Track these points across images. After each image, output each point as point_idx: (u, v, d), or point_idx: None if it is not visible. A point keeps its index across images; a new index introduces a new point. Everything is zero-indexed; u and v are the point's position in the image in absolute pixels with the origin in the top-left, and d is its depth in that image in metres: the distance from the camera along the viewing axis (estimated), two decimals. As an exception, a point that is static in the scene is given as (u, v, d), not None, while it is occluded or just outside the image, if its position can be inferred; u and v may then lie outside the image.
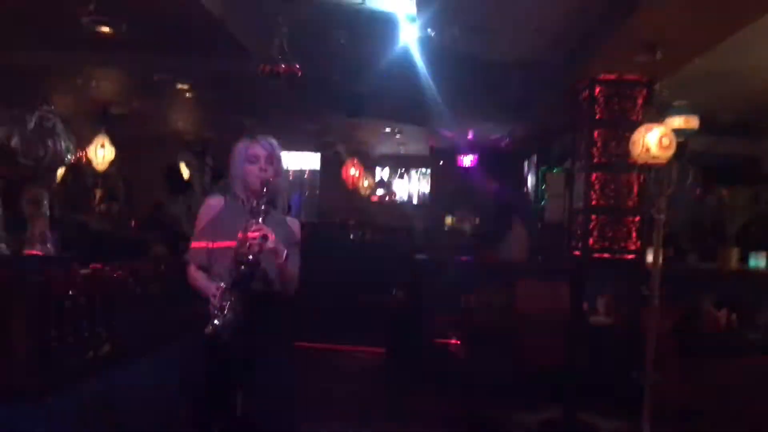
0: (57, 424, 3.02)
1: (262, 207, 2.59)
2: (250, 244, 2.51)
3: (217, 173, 7.80)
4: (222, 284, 2.55)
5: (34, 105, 3.94)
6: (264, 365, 2.67)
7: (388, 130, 10.50)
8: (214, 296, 2.52)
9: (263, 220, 2.59)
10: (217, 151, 11.63)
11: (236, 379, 2.66)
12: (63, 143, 3.95)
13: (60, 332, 3.27)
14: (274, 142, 2.82)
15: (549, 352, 5.11)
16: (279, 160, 2.80)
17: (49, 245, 4.03)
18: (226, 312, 2.50)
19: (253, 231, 2.53)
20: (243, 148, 2.79)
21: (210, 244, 2.71)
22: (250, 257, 2.52)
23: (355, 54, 6.38)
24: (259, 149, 2.76)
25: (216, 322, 2.48)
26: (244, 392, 2.67)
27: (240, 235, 2.53)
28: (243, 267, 2.52)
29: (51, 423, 2.98)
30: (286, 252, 2.65)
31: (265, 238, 2.54)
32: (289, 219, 2.90)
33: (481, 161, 11.81)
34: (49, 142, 3.84)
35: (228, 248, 2.59)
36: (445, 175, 12.60)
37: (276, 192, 2.77)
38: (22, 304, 3.12)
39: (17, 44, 6.40)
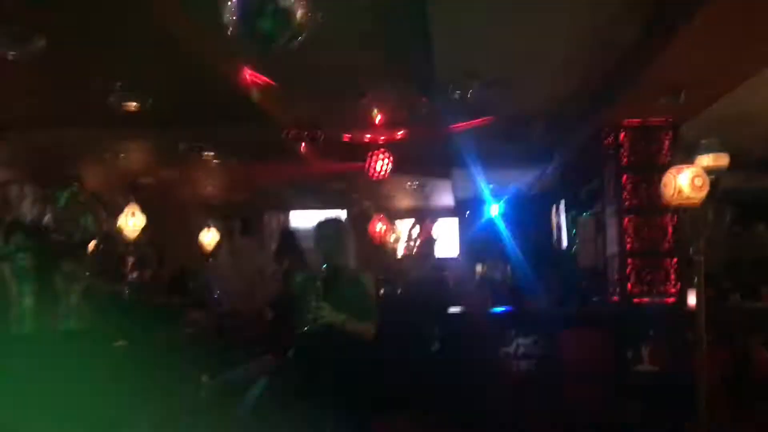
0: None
1: (318, 284, 3.36)
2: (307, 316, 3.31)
3: (246, 236, 7.85)
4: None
5: (65, 182, 4.01)
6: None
7: (409, 184, 10.53)
8: None
9: (333, 285, 3.38)
10: (246, 216, 11.80)
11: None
12: (94, 218, 4.01)
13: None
14: (340, 222, 3.76)
15: (595, 404, 4.94)
16: (343, 237, 3.62)
17: (84, 318, 4.04)
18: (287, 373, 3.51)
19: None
20: (316, 228, 3.67)
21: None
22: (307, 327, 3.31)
23: (377, 111, 6.44)
24: (326, 230, 3.63)
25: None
26: None
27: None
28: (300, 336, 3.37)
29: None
30: (343, 319, 3.35)
31: (316, 318, 3.29)
32: (362, 277, 3.60)
33: (508, 209, 11.73)
34: (81, 219, 3.90)
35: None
36: (473, 225, 12.53)
37: (342, 261, 3.54)
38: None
39: (46, 123, 6.58)
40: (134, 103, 5.89)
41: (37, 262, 3.88)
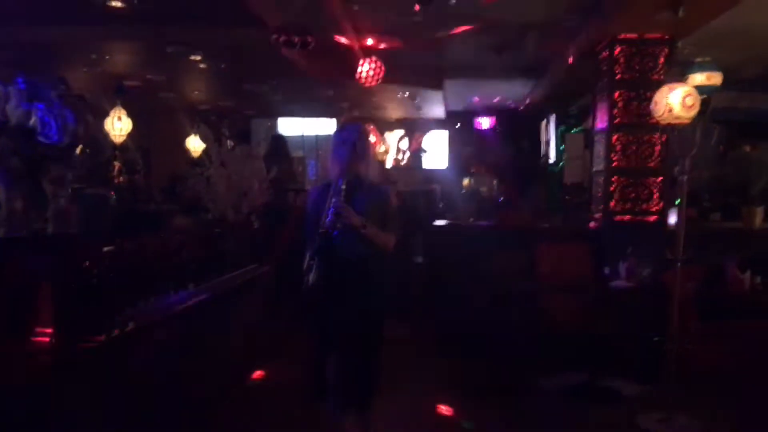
0: (80, 402, 3.05)
1: (343, 187, 3.12)
2: (327, 218, 3.09)
3: (234, 142, 7.77)
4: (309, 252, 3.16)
5: (51, 84, 3.93)
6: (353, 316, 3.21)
7: (400, 95, 10.38)
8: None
9: (353, 193, 3.15)
10: (234, 121, 11.66)
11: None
12: (81, 121, 3.95)
13: (85, 310, 3.31)
14: (361, 127, 3.42)
15: (571, 317, 5.11)
16: (364, 142, 3.33)
17: (71, 223, 4.06)
18: (311, 273, 3.11)
19: (331, 208, 3.09)
20: (335, 133, 3.41)
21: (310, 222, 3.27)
22: (328, 229, 3.09)
23: (369, 18, 6.27)
24: (346, 135, 3.32)
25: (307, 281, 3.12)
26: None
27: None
28: (320, 236, 3.09)
29: (75, 400, 3.01)
30: (364, 221, 3.12)
31: (338, 215, 3.07)
32: (382, 188, 3.42)
33: (498, 123, 11.68)
34: (68, 121, 3.84)
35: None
36: (462, 138, 12.50)
37: (363, 169, 3.27)
38: (46, 284, 3.15)
39: (31, 21, 6.37)
40: (119, 2, 5.72)
41: (24, 166, 3.84)
